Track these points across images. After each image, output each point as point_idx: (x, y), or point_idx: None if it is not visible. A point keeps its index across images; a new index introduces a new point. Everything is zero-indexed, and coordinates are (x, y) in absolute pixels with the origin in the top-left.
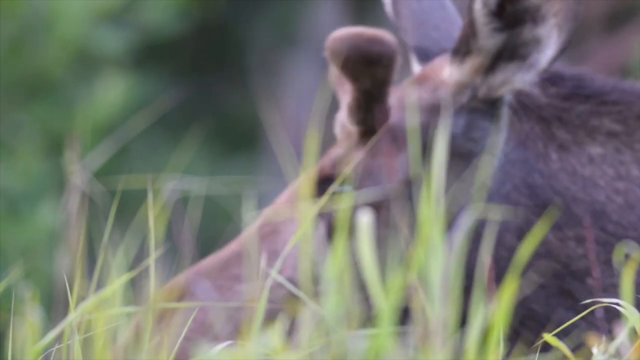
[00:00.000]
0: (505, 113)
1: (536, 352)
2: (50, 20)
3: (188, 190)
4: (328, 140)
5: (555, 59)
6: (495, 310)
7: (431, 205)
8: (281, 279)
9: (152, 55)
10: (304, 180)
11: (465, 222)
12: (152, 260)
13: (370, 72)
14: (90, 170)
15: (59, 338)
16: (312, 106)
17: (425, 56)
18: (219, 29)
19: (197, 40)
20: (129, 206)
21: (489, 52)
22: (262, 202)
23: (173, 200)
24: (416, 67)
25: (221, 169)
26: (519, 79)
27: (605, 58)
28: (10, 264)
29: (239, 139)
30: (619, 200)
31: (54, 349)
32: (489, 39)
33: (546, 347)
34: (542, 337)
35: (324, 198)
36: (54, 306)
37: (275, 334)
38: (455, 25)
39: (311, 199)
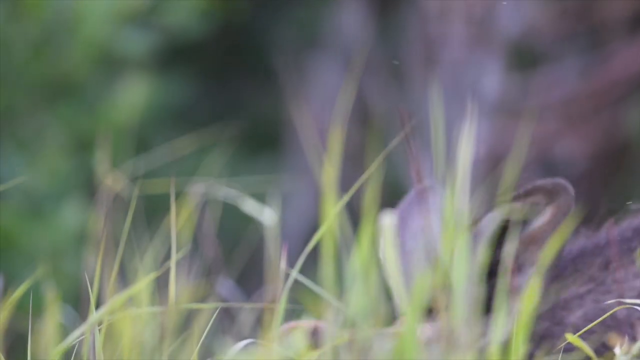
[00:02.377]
0: None
1: (559, 352)
2: (74, 22)
3: (212, 192)
4: (352, 140)
5: (536, 307)
6: (519, 311)
7: (455, 206)
8: (303, 278)
9: (176, 57)
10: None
11: (490, 223)
12: (173, 261)
13: None
14: (122, 173)
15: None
16: (336, 107)
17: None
18: (242, 30)
19: (221, 42)
20: (158, 208)
21: (472, 303)
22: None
23: (199, 202)
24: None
25: (244, 169)
26: (498, 330)
27: (628, 60)
28: (35, 265)
29: (262, 140)
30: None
31: (76, 349)
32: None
33: (571, 347)
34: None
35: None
36: (80, 307)
37: (299, 334)
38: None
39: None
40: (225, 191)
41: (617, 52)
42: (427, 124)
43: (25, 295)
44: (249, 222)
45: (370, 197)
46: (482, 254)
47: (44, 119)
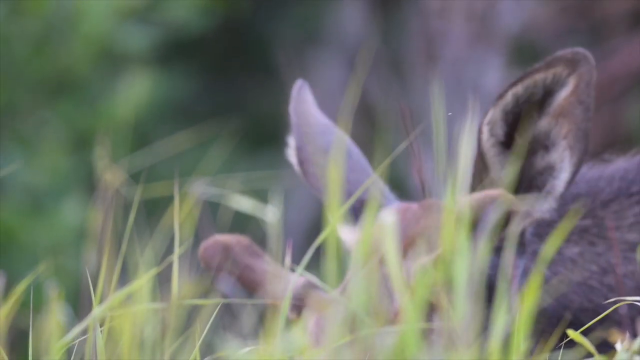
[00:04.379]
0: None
1: (560, 348)
2: (75, 18)
3: (213, 188)
4: (354, 137)
5: (570, 181)
6: (519, 309)
7: (456, 204)
8: (308, 275)
9: (177, 53)
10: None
11: (491, 220)
12: (176, 256)
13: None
14: (121, 169)
15: (83, 334)
16: (338, 103)
17: (348, 213)
18: (243, 26)
19: (221, 37)
20: (158, 204)
21: (504, 185)
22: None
23: (200, 199)
24: (344, 229)
25: (245, 165)
26: (539, 209)
27: (629, 56)
28: (36, 261)
29: (263, 136)
30: (613, 297)
31: (77, 344)
32: (501, 171)
33: (572, 344)
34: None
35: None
36: (80, 303)
37: (300, 332)
38: (365, 173)
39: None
40: (225, 185)
41: (617, 48)
42: (428, 120)
43: (27, 292)
44: (250, 218)
45: (372, 194)
46: (483, 250)
47: (44, 116)
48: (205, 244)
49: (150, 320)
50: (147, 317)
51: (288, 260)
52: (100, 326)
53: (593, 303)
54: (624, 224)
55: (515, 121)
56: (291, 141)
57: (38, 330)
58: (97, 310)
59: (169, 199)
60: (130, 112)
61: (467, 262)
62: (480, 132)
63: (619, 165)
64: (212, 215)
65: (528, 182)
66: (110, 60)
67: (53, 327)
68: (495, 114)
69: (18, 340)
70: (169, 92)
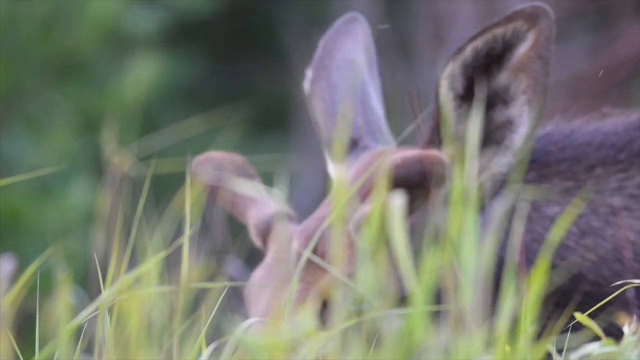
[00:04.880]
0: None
1: (568, 331)
2: (83, 0)
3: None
4: None
5: (530, 137)
6: (527, 292)
7: (464, 186)
8: (315, 258)
9: (184, 36)
10: (337, 149)
11: (501, 204)
12: (185, 240)
13: (428, 194)
14: (130, 152)
15: (92, 317)
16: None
17: None
18: (250, 8)
19: (229, 20)
20: (166, 187)
21: (461, 140)
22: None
23: (208, 182)
24: (329, 163)
25: (252, 149)
26: (497, 164)
27: (636, 39)
28: (44, 244)
29: (271, 119)
30: (591, 257)
31: (85, 327)
32: (460, 125)
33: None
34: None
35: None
36: (89, 286)
37: (307, 315)
38: (362, 109)
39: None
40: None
41: (625, 31)
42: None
43: (35, 276)
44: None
45: (380, 177)
46: (492, 235)
47: (52, 98)
48: (197, 160)
49: (158, 303)
50: (155, 300)
51: (295, 244)
52: (109, 309)
53: (567, 262)
54: (607, 187)
55: (474, 75)
56: (308, 72)
57: (46, 314)
58: (105, 294)
59: (178, 182)
60: (138, 94)
61: (474, 244)
62: (438, 85)
63: (611, 128)
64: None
65: (487, 136)
66: (117, 42)
67: (61, 311)
68: (454, 67)
69: (26, 324)
70: (176, 75)
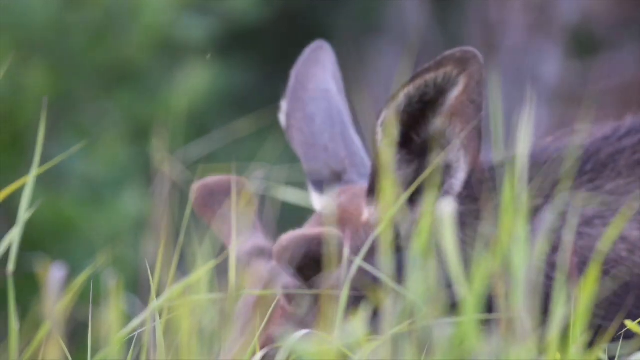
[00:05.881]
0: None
1: (619, 340)
2: (135, 8)
3: (272, 177)
4: None
5: (467, 181)
6: (578, 299)
7: (514, 193)
8: (366, 265)
9: (235, 44)
10: (384, 164)
11: (550, 211)
12: (233, 246)
13: (323, 269)
14: (179, 160)
15: (142, 325)
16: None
17: (319, 183)
18: (302, 15)
19: (280, 27)
20: None
21: (402, 185)
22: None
23: (259, 188)
24: (314, 196)
25: None
26: (440, 209)
27: None
28: (95, 251)
29: None
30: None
31: (136, 336)
32: (399, 171)
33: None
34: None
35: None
36: (140, 294)
37: (358, 323)
38: (344, 140)
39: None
40: (282, 175)
41: None
42: (486, 110)
43: (86, 283)
44: (306, 208)
45: (430, 184)
46: (542, 241)
47: (103, 106)
48: (194, 187)
49: (208, 311)
50: (205, 308)
51: (346, 251)
52: (159, 317)
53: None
54: (576, 199)
55: (410, 120)
56: (283, 105)
57: (98, 321)
58: (157, 301)
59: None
60: (189, 103)
61: (525, 252)
62: (374, 133)
63: (579, 142)
64: (271, 204)
65: (427, 181)
66: (169, 50)
67: (112, 318)
68: (388, 114)
69: (77, 331)
70: (227, 82)
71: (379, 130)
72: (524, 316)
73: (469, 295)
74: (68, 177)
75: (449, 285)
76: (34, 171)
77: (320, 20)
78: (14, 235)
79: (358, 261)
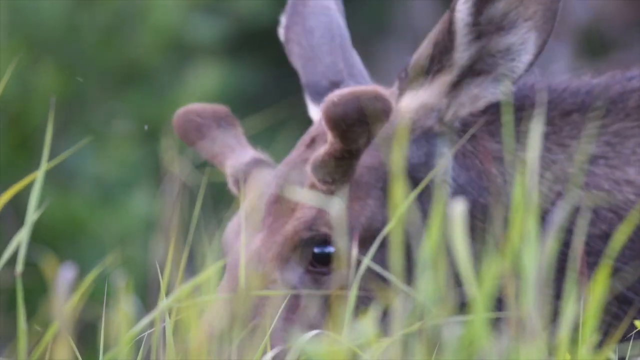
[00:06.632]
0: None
1: (630, 339)
2: (145, 9)
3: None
4: None
5: (532, 64)
6: (588, 299)
7: (525, 193)
8: (375, 266)
9: (246, 44)
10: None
11: (560, 211)
12: (242, 247)
13: (371, 130)
14: (189, 160)
15: (151, 325)
16: None
17: (317, 93)
18: None
19: None
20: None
21: (461, 67)
22: None
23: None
24: (310, 106)
25: None
26: (491, 92)
27: None
28: (105, 252)
29: None
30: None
31: (146, 334)
32: (465, 52)
33: None
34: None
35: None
36: (149, 294)
37: (368, 322)
38: (342, 53)
39: (288, 262)
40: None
41: None
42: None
43: (97, 283)
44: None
45: (440, 184)
46: (552, 241)
47: (113, 107)
48: (178, 112)
49: (218, 311)
50: (214, 308)
51: (355, 252)
52: (169, 317)
53: (544, 210)
54: (583, 134)
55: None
56: (282, 19)
57: (107, 322)
58: (165, 302)
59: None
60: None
61: (535, 251)
62: (455, 10)
63: (588, 80)
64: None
65: (479, 63)
66: (179, 51)
67: (122, 319)
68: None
69: (85, 331)
70: (237, 83)
71: (463, 7)
72: (534, 316)
73: (479, 295)
74: (78, 178)
75: (458, 284)
76: (43, 167)
77: None
78: (23, 236)
79: (366, 261)
